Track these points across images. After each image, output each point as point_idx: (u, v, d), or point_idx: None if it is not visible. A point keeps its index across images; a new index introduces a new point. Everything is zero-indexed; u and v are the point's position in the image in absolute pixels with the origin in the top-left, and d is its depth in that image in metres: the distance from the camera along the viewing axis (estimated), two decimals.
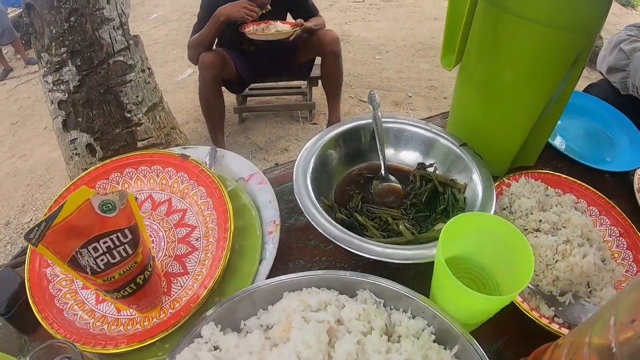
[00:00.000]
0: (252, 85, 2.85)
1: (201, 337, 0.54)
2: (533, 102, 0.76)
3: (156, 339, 0.59)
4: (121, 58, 1.69)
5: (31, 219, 2.42)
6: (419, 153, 0.87)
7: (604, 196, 0.83)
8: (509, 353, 0.64)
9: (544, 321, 0.63)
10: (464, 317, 0.55)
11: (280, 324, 0.54)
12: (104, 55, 1.63)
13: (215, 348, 0.53)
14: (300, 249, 0.75)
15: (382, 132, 0.86)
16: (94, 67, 1.64)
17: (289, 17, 2.55)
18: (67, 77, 1.61)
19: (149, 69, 1.86)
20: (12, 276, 0.68)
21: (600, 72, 1.30)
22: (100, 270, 0.53)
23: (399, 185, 0.82)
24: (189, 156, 0.78)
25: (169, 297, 0.66)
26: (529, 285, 0.67)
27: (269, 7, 2.32)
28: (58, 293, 0.66)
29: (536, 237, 0.73)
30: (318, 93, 3.00)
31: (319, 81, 2.74)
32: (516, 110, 0.78)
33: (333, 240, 0.63)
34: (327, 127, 2.77)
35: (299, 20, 2.37)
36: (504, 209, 0.79)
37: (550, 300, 0.67)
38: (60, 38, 1.54)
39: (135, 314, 0.64)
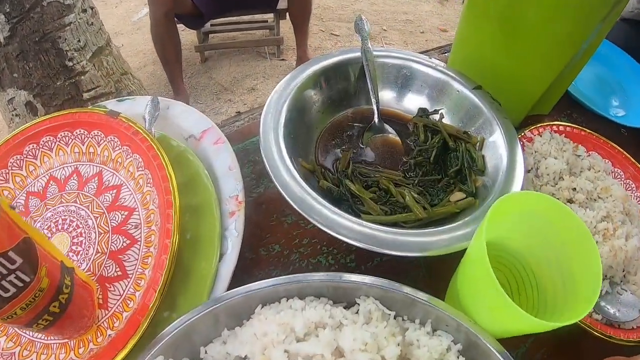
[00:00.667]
0: (214, 21, 2.56)
1: None
2: (561, 47, 0.59)
3: None
4: None
5: None
6: (423, 97, 0.67)
7: (631, 157, 0.70)
8: (540, 354, 0.52)
9: (586, 321, 0.51)
10: (496, 331, 0.39)
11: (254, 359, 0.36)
12: None
13: None
14: (273, 229, 0.56)
15: (374, 69, 0.64)
16: (25, 12, 1.37)
17: None
18: None
19: (91, 8, 1.57)
20: None
21: None
22: None
23: (398, 138, 0.62)
24: (119, 113, 0.57)
25: (107, 312, 0.47)
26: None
27: None
28: None
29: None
30: (286, 27, 2.72)
31: (287, 14, 2.46)
32: (541, 55, 0.61)
33: (320, 226, 0.44)
34: (296, 63, 2.56)
35: None
36: (529, 171, 0.63)
37: None
38: None
39: None
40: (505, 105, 0.63)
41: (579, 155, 0.66)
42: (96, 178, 0.56)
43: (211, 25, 2.57)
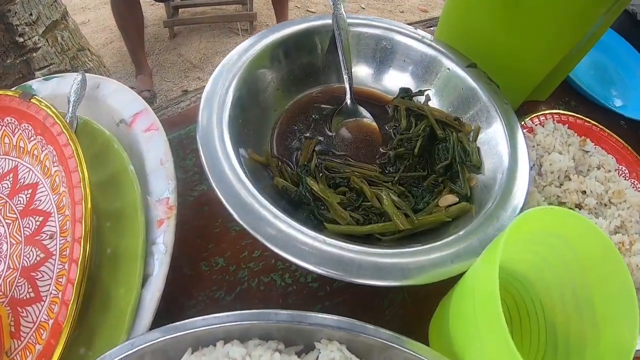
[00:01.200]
0: None
1: None
2: (569, 28, 0.50)
3: None
4: None
5: None
6: (406, 75, 0.55)
7: (634, 152, 0.62)
8: None
9: None
10: None
11: None
12: None
13: None
14: (218, 238, 0.45)
15: (347, 39, 0.53)
16: None
17: None
18: None
19: None
20: None
21: None
22: None
23: (374, 124, 0.51)
24: (33, 94, 0.45)
25: (19, 342, 0.38)
26: None
27: None
28: None
29: None
30: (260, 2, 2.63)
31: None
32: (548, 33, 0.51)
33: (268, 243, 0.32)
34: None
35: None
36: (531, 168, 0.52)
37: None
38: None
39: None
40: (502, 88, 0.53)
41: (587, 151, 0.56)
42: (11, 175, 0.45)
43: None
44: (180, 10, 2.53)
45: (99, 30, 2.55)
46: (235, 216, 0.34)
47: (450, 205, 0.42)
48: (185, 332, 0.30)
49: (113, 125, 0.48)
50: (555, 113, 0.60)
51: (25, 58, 1.43)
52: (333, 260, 0.32)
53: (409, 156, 0.47)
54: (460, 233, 0.36)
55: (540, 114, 0.58)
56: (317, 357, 0.30)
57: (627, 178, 0.60)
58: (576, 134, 0.60)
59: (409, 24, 0.61)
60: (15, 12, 1.36)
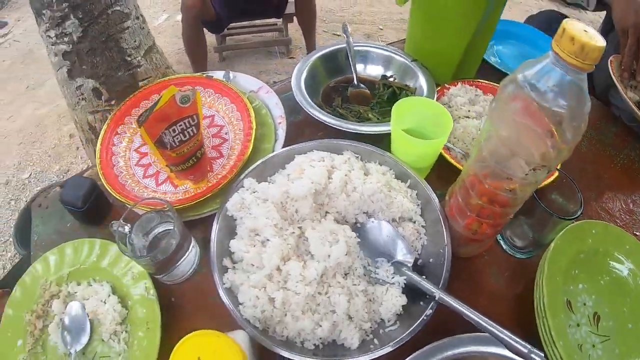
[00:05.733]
0: (230, 25, 3.07)
1: (244, 187, 0.81)
2: (465, 22, 1.01)
3: (210, 195, 0.85)
4: (118, 8, 1.83)
5: (30, 174, 2.58)
6: (381, 67, 1.22)
7: None
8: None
9: (454, 162, 0.94)
10: (414, 162, 0.89)
11: (295, 171, 0.88)
12: (102, 6, 1.78)
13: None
14: (299, 135, 1.10)
15: (354, 54, 1.20)
16: (95, 18, 1.77)
17: None
18: (70, 29, 1.76)
19: (142, 16, 2.01)
20: (82, 181, 0.86)
21: None
22: (176, 145, 0.77)
23: (368, 91, 1.18)
24: (212, 76, 1.13)
25: (212, 173, 0.93)
26: (457, 149, 1.05)
27: None
28: (126, 182, 0.92)
29: (466, 120, 1.11)
30: (293, 29, 3.24)
31: (294, 17, 3.01)
32: (451, 30, 1.04)
33: (326, 122, 1.01)
34: None
35: None
36: (444, 105, 1.16)
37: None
38: None
39: (189, 187, 0.89)
40: (436, 70, 1.15)
41: (477, 95, 1.10)
42: (209, 119, 1.09)
43: (228, 29, 3.10)
44: (227, 38, 3.21)
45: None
46: (316, 116, 1.01)
47: None
48: (293, 148, 0.92)
49: (245, 93, 1.14)
50: (465, 80, 1.11)
51: (132, 72, 1.94)
52: (353, 128, 0.99)
53: (383, 102, 1.12)
54: None
55: (455, 82, 1.09)
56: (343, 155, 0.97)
57: None
58: (479, 89, 1.10)
59: (393, 43, 1.31)
60: (125, 39, 1.87)
